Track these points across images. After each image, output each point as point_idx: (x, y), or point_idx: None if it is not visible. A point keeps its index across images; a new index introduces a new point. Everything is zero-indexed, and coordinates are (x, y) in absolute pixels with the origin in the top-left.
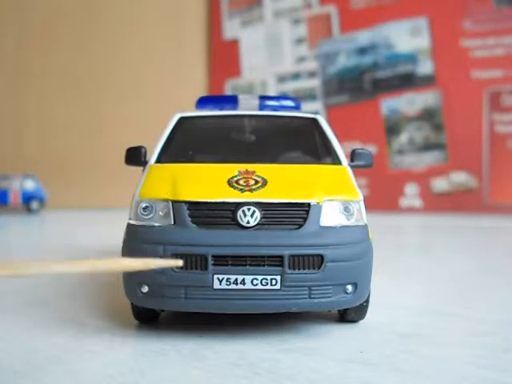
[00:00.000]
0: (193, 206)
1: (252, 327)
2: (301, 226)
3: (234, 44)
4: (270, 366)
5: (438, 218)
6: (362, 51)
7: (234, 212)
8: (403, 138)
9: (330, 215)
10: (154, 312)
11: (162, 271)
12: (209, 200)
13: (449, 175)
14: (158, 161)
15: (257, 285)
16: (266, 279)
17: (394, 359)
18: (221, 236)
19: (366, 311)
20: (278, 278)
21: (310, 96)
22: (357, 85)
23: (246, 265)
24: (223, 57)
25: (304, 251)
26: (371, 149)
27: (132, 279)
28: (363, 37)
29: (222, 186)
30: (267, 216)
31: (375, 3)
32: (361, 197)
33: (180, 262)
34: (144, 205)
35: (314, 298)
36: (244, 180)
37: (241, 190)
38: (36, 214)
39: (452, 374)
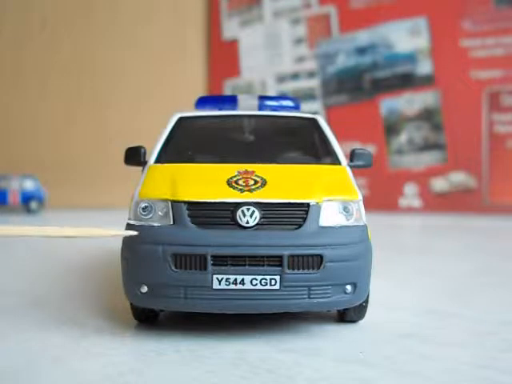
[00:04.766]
0: (192, 206)
1: (252, 327)
2: (300, 226)
3: (234, 44)
4: (270, 366)
5: (438, 218)
6: (362, 51)
7: (234, 212)
8: (402, 137)
9: (330, 215)
10: (154, 312)
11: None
12: (208, 200)
13: (448, 175)
14: (158, 161)
15: (256, 285)
16: (266, 279)
17: (394, 359)
18: (220, 236)
19: (365, 311)
20: (278, 278)
21: (310, 96)
22: (356, 85)
23: (245, 265)
24: (222, 57)
25: (303, 251)
26: (370, 149)
27: (132, 279)
28: (362, 37)
29: (221, 186)
30: (266, 216)
31: (374, 3)
32: (360, 197)
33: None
34: (143, 205)
35: (313, 298)
36: (243, 180)
37: (240, 190)
38: (35, 214)
39: (452, 374)
